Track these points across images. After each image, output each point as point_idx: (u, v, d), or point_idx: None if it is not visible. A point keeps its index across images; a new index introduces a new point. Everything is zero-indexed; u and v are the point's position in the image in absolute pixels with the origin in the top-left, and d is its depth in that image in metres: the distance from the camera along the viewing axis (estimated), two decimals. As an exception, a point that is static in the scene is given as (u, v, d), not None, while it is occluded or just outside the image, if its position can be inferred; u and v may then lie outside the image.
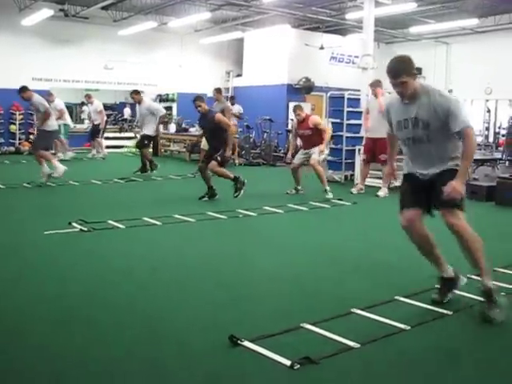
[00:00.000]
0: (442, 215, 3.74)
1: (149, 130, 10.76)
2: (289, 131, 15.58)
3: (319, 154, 8.81)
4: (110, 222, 6.16)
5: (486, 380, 2.82)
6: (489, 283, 3.66)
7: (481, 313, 3.59)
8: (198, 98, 8.07)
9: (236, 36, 18.02)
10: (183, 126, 15.55)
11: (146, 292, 4.01)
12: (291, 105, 16.87)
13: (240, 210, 7.12)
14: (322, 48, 17.03)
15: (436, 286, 4.01)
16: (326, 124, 8.73)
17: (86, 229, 5.81)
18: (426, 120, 3.67)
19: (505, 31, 16.51)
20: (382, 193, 8.99)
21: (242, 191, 7.85)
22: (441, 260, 3.97)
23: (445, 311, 3.69)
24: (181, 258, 4.97)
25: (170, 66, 18.13)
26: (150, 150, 12.30)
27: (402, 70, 3.66)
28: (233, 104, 14.01)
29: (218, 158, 7.85)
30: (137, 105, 11.06)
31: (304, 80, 17.01)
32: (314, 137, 8.71)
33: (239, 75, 19.29)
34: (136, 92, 10.92)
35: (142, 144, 10.87)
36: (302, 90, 17.11)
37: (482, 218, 7.49)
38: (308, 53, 17.11)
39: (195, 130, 14.60)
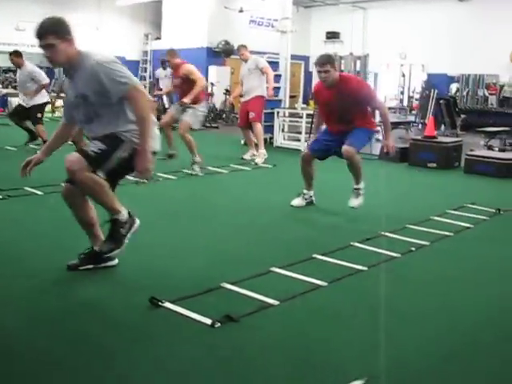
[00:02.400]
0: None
1: (35, 99, 9.03)
2: (209, 94, 15.51)
3: (193, 115, 7.45)
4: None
5: (399, 330, 2.98)
6: None
7: None
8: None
9: (153, -2, 17.61)
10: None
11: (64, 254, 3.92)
12: (211, 69, 16.79)
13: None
14: (241, 11, 16.90)
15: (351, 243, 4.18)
16: (200, 75, 7.55)
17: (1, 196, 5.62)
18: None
19: (419, -3, 16.96)
20: (260, 159, 8.66)
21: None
22: None
23: (360, 267, 3.84)
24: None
25: (86, 28, 17.51)
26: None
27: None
28: (164, 69, 13.74)
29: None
30: (17, 69, 9.23)
31: (223, 43, 16.89)
32: (186, 89, 7.39)
33: (158, 38, 18.90)
34: (16, 54, 8.91)
35: (33, 120, 9.17)
36: (222, 53, 16.99)
37: (395, 176, 7.81)
38: (228, 16, 16.95)
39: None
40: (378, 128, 6.11)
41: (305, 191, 5.68)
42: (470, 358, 2.71)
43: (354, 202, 5.42)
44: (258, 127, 9.04)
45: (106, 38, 17.69)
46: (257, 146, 8.99)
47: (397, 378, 2.49)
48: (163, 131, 7.20)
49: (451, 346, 2.83)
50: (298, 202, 5.65)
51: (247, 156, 8.98)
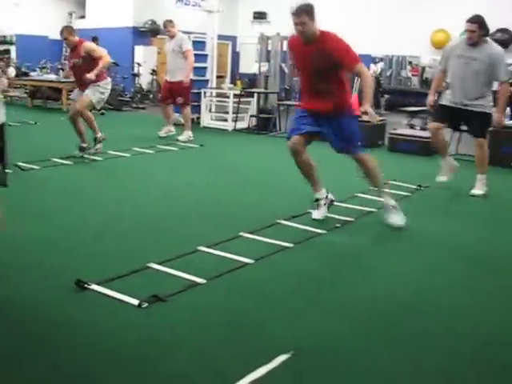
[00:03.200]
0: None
1: None
2: (135, 75, 15.24)
3: (96, 92, 7.00)
4: None
5: (324, 303, 3.07)
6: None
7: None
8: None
9: (76, -26, 17.07)
10: (23, 69, 14.65)
11: None
12: (137, 48, 16.49)
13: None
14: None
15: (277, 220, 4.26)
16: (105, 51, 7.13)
17: None
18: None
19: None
20: (184, 137, 8.85)
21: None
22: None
23: (286, 244, 3.92)
24: (25, 207, 4.78)
25: (4, 5, 16.79)
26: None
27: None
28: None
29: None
30: None
31: (150, 23, 16.60)
32: (88, 69, 6.80)
33: (83, 17, 18.35)
34: None
35: None
36: (148, 33, 16.71)
37: (321, 156, 7.94)
38: (153, -5, 16.65)
39: (36, 74, 13.84)
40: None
41: (317, 195, 4.71)
42: (388, 323, 2.83)
43: (395, 219, 4.54)
44: (187, 110, 9.14)
45: (26, 15, 17.03)
46: (182, 125, 9.08)
47: (323, 348, 2.57)
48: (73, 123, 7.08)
49: (372, 312, 2.95)
50: (318, 213, 4.65)
51: (162, 133, 9.02)
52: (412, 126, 10.62)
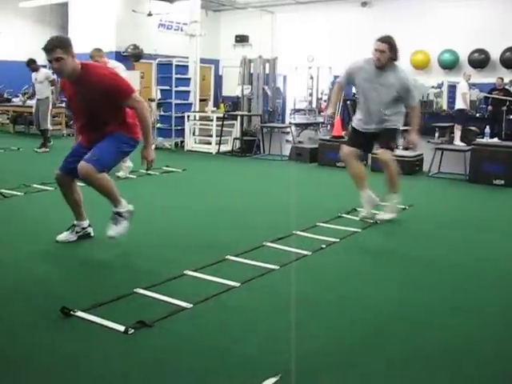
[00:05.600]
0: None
1: None
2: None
3: None
4: None
5: (312, 325, 3.07)
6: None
7: None
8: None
9: (59, 0, 17.10)
10: (5, 96, 14.63)
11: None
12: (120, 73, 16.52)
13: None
14: (149, 15, 16.72)
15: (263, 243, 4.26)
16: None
17: None
18: None
19: (323, 3, 17.42)
20: (123, 173, 7.51)
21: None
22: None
23: (273, 266, 3.91)
24: (7, 234, 4.75)
25: (-15, 31, 16.84)
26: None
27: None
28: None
29: None
30: None
31: (132, 47, 16.69)
32: None
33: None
34: None
35: None
36: (131, 57, 16.78)
37: (305, 176, 7.99)
38: (136, 20, 16.74)
39: (18, 100, 13.83)
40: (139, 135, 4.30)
41: (75, 222, 4.47)
42: (379, 347, 2.83)
43: (113, 229, 4.24)
44: None
45: (7, 41, 17.06)
46: (167, 149, 8.92)
47: (311, 370, 2.56)
48: None
49: (360, 334, 2.95)
50: (63, 236, 4.43)
51: (122, 174, 7.57)
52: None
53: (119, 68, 7.62)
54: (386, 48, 5.16)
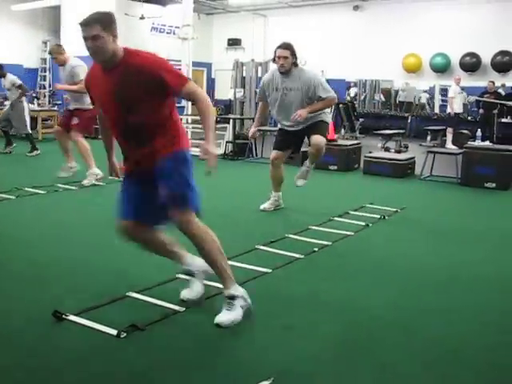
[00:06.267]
0: None
1: None
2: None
3: None
4: None
5: (303, 328, 3.07)
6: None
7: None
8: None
9: (51, 3, 17.07)
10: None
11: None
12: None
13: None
14: (142, 18, 16.74)
15: (256, 246, 4.24)
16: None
17: None
18: None
19: (315, 6, 17.49)
20: (87, 181, 7.16)
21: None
22: None
23: (265, 269, 3.92)
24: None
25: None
26: None
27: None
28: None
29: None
30: None
31: (125, 51, 16.66)
32: None
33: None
34: None
35: None
36: (124, 60, 16.75)
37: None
38: (128, 23, 16.71)
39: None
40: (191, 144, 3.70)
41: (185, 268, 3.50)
42: (371, 351, 2.84)
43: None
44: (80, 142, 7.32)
45: (0, 44, 17.01)
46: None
47: (304, 372, 2.57)
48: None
49: (354, 335, 2.96)
50: (187, 293, 3.40)
51: (63, 173, 7.43)
52: (387, 149, 10.77)
53: (80, 68, 7.14)
54: (288, 54, 5.36)
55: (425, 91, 16.64)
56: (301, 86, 5.40)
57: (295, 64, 5.43)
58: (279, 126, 5.85)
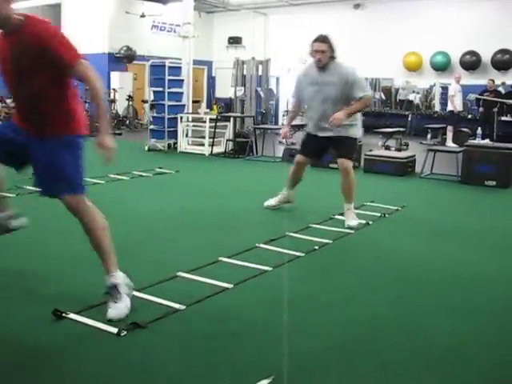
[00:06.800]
0: None
1: None
2: (111, 101, 15.22)
3: None
4: None
5: (304, 327, 3.07)
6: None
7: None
8: None
9: (51, 1, 17.07)
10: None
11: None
12: (113, 74, 16.51)
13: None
14: (143, 16, 16.76)
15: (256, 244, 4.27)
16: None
17: None
18: None
19: (316, 5, 17.46)
20: None
21: None
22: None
23: (265, 268, 3.91)
24: None
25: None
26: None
27: None
28: None
29: None
30: None
31: (125, 49, 16.67)
32: None
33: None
34: None
35: None
36: (124, 59, 16.76)
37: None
38: (129, 21, 16.74)
39: (11, 101, 13.77)
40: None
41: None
42: (372, 349, 2.83)
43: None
44: None
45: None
46: (159, 151, 8.81)
47: (305, 371, 2.57)
48: None
49: (355, 333, 2.96)
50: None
51: None
52: (387, 147, 10.76)
53: None
54: (326, 48, 5.19)
55: (417, 92, 16.71)
56: (338, 81, 5.19)
57: (332, 57, 5.26)
58: (306, 129, 5.70)
